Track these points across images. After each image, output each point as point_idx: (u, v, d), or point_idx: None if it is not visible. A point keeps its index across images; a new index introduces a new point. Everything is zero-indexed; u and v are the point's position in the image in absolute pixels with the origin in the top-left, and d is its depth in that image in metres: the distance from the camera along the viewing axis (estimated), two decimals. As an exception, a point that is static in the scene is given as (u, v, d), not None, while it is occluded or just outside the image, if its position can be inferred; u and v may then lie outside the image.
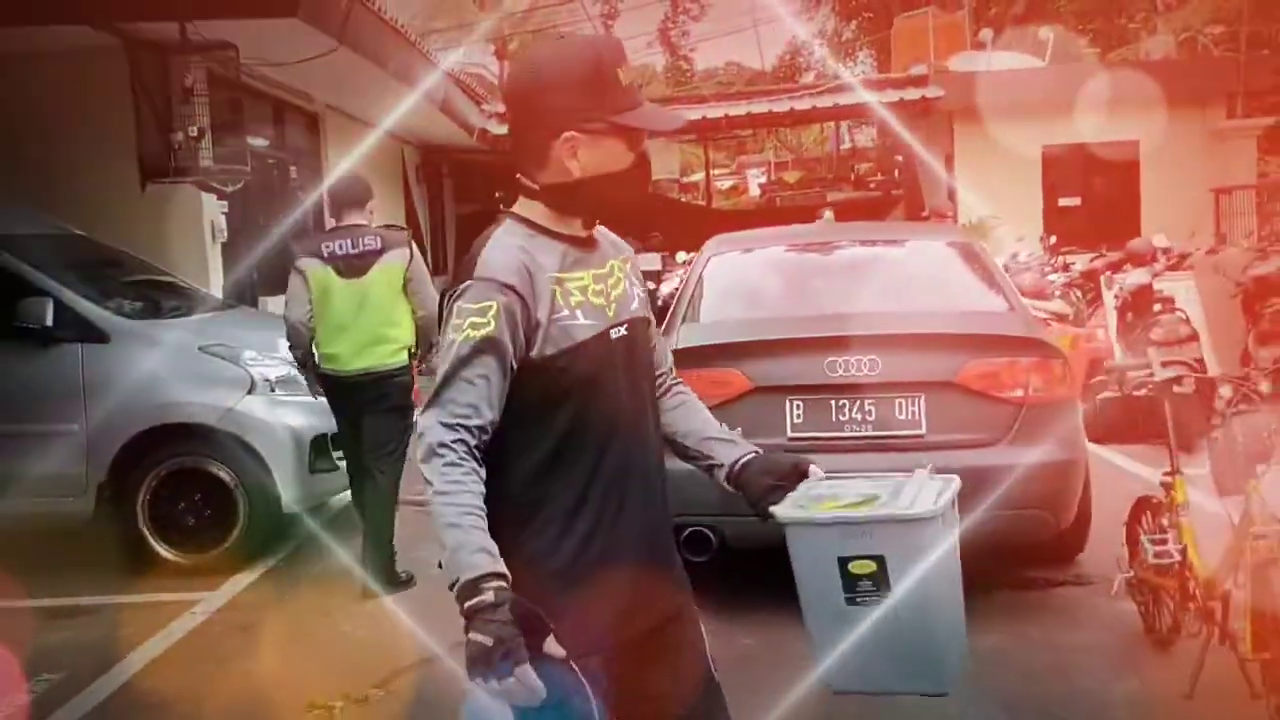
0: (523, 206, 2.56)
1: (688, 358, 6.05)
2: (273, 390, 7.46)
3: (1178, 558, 4.93)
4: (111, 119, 9.35)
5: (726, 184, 31.86)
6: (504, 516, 2.41)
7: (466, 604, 2.29)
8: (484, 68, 29.34)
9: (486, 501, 2.37)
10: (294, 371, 7.32)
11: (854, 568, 2.47)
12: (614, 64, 2.47)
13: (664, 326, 7.06)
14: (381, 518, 6.79)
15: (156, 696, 5.43)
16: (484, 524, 2.35)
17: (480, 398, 2.41)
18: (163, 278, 8.71)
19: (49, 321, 7.15)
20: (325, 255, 6.67)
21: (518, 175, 2.56)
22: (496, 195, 19.92)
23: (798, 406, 5.93)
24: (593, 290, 2.54)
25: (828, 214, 16.21)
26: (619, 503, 2.56)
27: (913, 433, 5.84)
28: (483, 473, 2.39)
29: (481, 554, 2.32)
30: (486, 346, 2.40)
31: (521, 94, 2.53)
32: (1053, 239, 16.48)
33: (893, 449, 5.77)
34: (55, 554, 7.53)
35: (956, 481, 2.61)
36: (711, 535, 5.83)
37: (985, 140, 18.64)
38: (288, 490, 7.38)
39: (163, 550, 7.26)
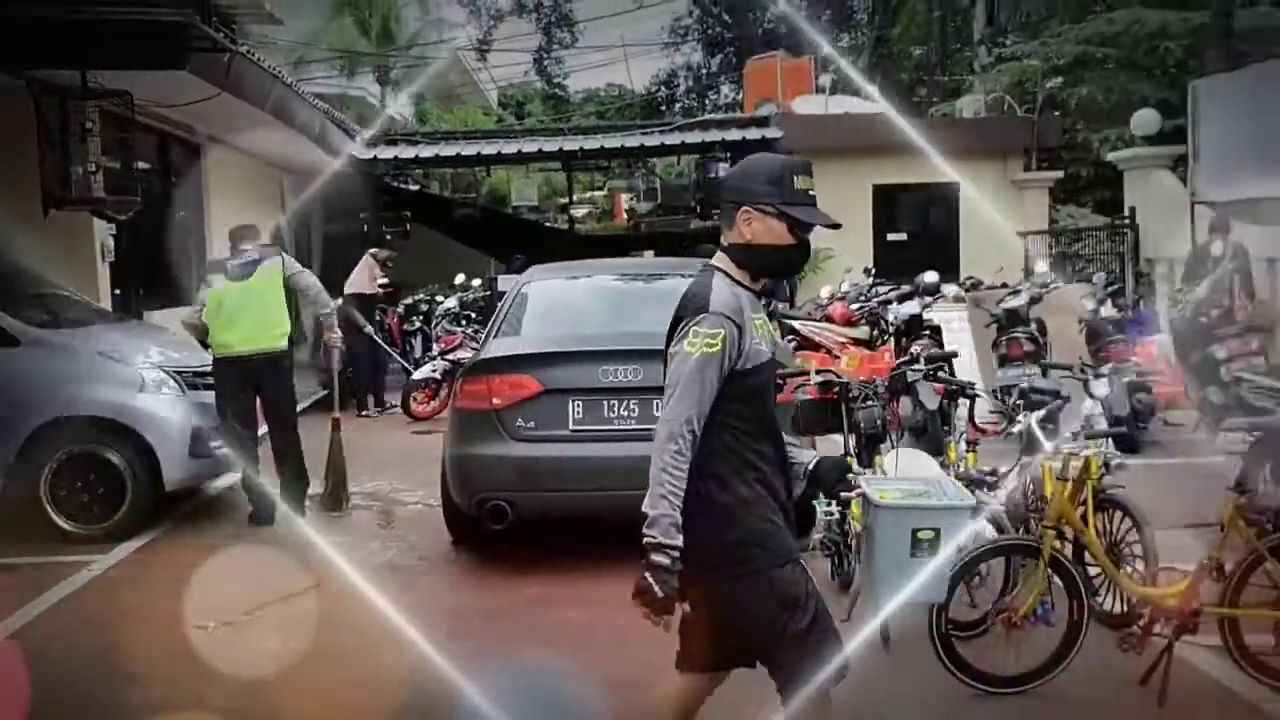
0: (718, 260, 3.73)
1: (495, 365, 7.80)
2: (159, 390, 8.95)
3: (837, 516, 6.61)
4: (17, 153, 10.56)
5: (582, 210, 33.19)
6: (710, 470, 3.59)
7: (653, 557, 3.45)
8: (366, 91, 30.72)
9: (699, 456, 3.54)
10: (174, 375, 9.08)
11: (920, 535, 3.95)
12: (793, 173, 3.68)
13: (482, 340, 8.69)
14: (296, 463, 9.29)
15: (63, 626, 6.89)
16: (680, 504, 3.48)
17: (706, 398, 3.51)
18: (63, 292, 10.10)
19: (-28, 329, 8.51)
20: (225, 270, 9.22)
21: (721, 238, 3.78)
22: (360, 216, 21.02)
23: (578, 405, 7.57)
24: (765, 328, 3.72)
25: (649, 254, 17.93)
26: (771, 468, 3.74)
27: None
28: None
29: (676, 531, 3.46)
30: (713, 362, 3.51)
31: (730, 179, 3.83)
32: (872, 271, 18.13)
33: (652, 439, 7.41)
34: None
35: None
36: (509, 507, 7.45)
37: (821, 177, 20.27)
38: (170, 473, 8.86)
39: (61, 521, 8.63)
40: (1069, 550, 5.86)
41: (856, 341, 13.75)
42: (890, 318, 13.01)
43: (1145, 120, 18.82)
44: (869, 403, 6.31)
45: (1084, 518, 5.85)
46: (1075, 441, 5.86)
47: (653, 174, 39.49)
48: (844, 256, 19.36)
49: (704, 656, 3.92)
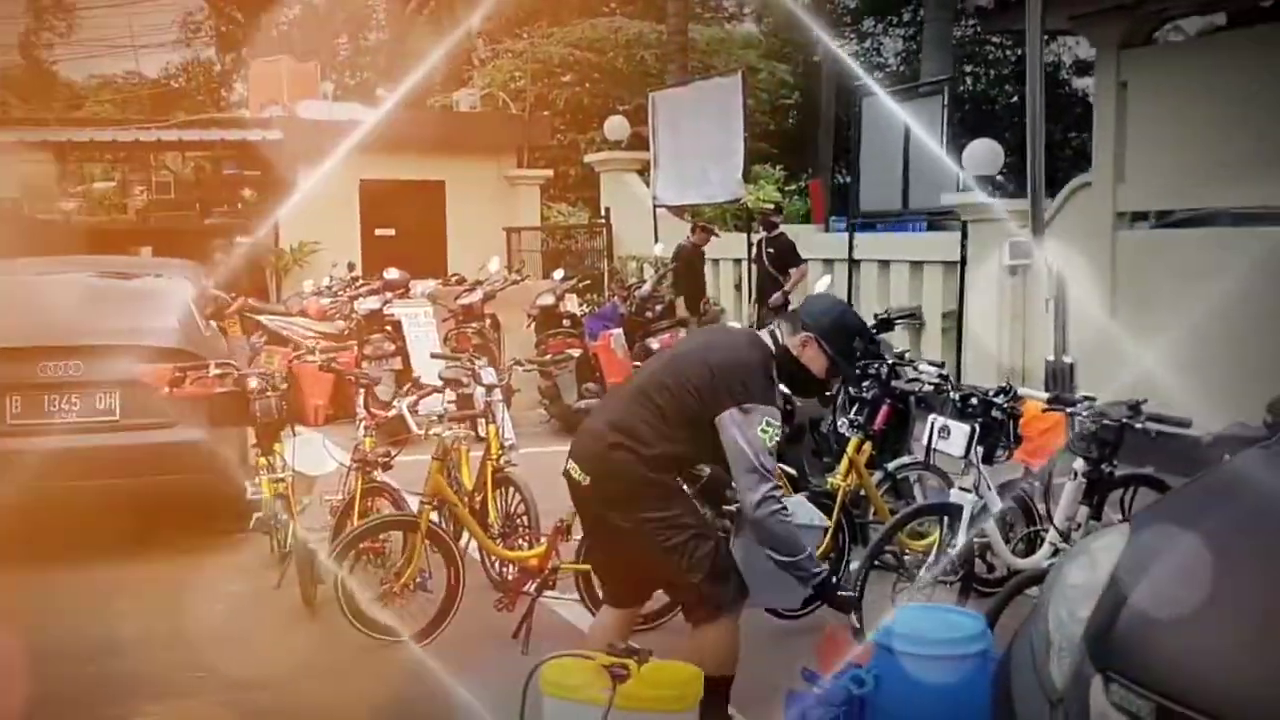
0: None
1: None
2: None
3: (258, 497, 7.20)
4: None
5: (70, 204, 31.96)
6: None
7: None
8: None
9: None
10: None
11: None
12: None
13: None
14: None
15: None
16: None
17: None
18: None
19: None
20: None
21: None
22: None
23: (15, 402, 7.83)
24: None
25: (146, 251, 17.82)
26: None
27: (109, 419, 7.93)
28: None
29: None
30: None
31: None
32: (355, 267, 18.50)
33: (94, 431, 7.86)
34: None
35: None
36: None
37: (308, 171, 19.97)
38: None
39: None
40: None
41: (326, 336, 14.07)
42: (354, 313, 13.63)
43: (615, 126, 20.42)
44: (267, 395, 6.98)
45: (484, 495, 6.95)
46: (440, 424, 6.76)
47: (166, 168, 38.47)
48: (330, 251, 19.64)
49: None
